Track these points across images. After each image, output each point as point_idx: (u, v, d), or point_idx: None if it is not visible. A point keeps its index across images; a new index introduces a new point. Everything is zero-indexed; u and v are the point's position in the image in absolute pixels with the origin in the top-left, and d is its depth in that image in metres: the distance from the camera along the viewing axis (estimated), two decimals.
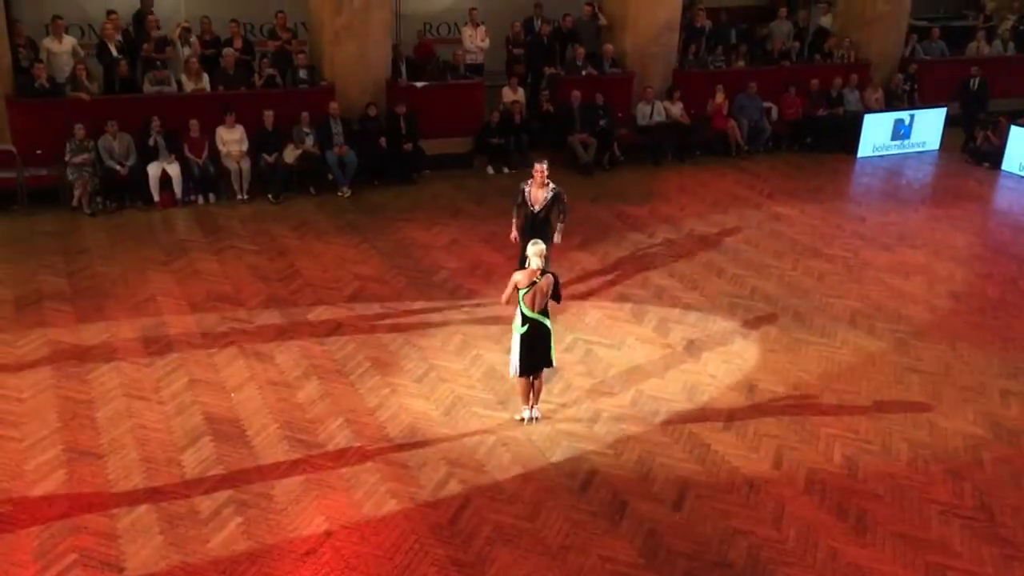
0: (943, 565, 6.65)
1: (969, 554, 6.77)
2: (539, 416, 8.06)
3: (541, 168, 9.55)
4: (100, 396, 8.20)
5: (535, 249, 7.63)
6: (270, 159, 13.14)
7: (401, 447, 7.66)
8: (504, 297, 7.86)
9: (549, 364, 7.95)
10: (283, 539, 6.57)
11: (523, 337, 7.72)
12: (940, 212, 13.89)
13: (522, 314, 7.68)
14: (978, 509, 7.25)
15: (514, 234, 9.83)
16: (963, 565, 6.66)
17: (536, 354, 7.78)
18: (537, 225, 9.59)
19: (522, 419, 8.02)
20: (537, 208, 9.60)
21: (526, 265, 7.78)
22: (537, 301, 7.65)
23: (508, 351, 8.30)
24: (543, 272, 7.66)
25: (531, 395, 8.03)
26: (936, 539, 6.90)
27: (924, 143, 17.10)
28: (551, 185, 9.58)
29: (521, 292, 7.63)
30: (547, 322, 7.77)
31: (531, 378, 7.95)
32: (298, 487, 7.11)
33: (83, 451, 7.43)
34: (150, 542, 6.48)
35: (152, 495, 6.94)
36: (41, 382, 8.38)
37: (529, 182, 9.68)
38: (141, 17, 14.28)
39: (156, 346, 9.06)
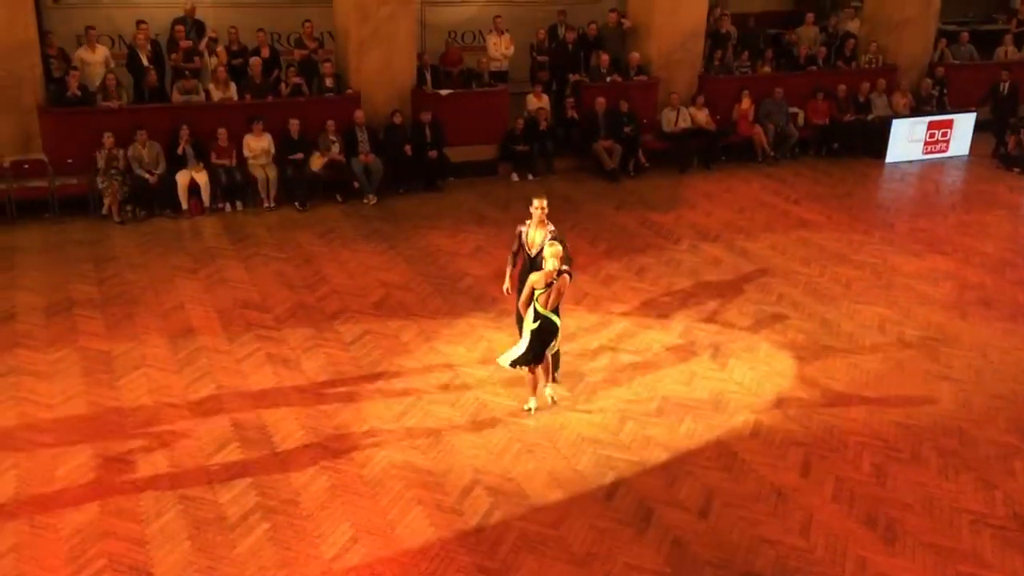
0: (974, 575, 6.55)
1: (1001, 564, 6.67)
2: (553, 395, 8.36)
3: (541, 205, 8.36)
4: (129, 403, 8.28)
5: (552, 250, 7.72)
6: (295, 158, 13.24)
7: (426, 454, 7.67)
8: (521, 300, 8.09)
9: (540, 360, 8.15)
10: (309, 545, 6.59)
11: (534, 332, 7.91)
12: (970, 218, 13.74)
13: (535, 311, 7.88)
14: (1010, 518, 7.14)
15: (507, 285, 8.72)
16: (995, 575, 6.56)
17: (536, 348, 8.00)
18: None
19: (528, 409, 8.23)
20: (534, 252, 8.41)
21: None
22: (552, 300, 7.84)
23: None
24: (559, 273, 7.77)
25: (537, 383, 8.29)
26: (967, 549, 6.81)
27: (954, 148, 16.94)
28: (550, 226, 8.42)
29: (537, 293, 7.82)
30: (556, 320, 7.97)
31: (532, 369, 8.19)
32: (324, 493, 7.14)
33: (112, 457, 7.50)
34: (178, 547, 6.53)
35: (180, 501, 6.99)
36: (71, 388, 8.47)
37: (528, 222, 8.53)
38: (187, 23, 14.36)
39: (184, 353, 9.14)
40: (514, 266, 8.68)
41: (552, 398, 8.36)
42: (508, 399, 8.50)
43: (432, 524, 6.84)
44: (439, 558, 6.51)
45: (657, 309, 10.40)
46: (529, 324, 7.94)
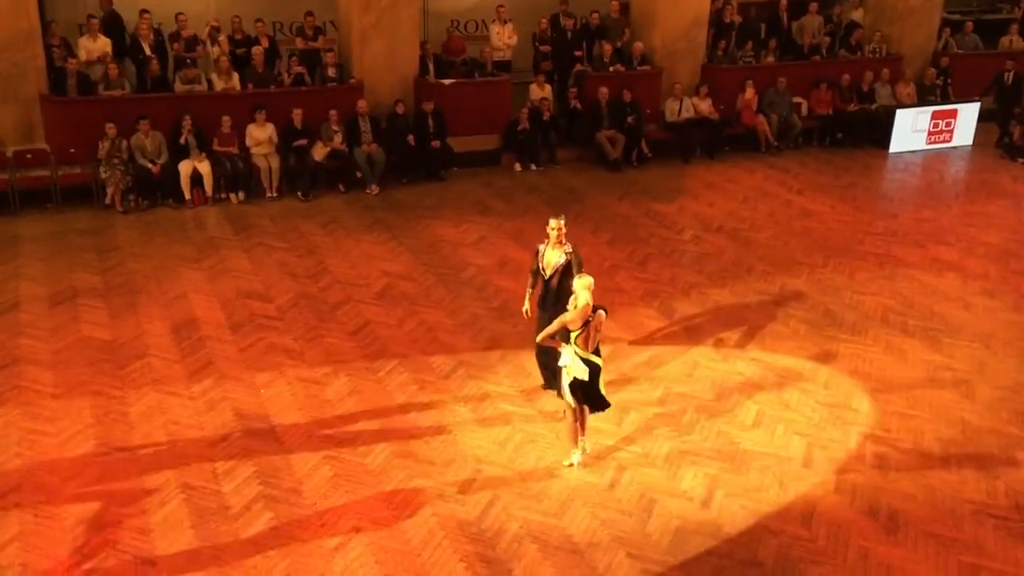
0: (976, 565, 6.56)
1: (1003, 555, 6.68)
2: (587, 449, 7.60)
3: (558, 225, 7.95)
4: (132, 392, 8.30)
5: (583, 283, 7.00)
6: (299, 144, 13.22)
7: (429, 443, 7.69)
8: (542, 335, 7.30)
9: (604, 406, 7.37)
10: (312, 534, 6.62)
11: (575, 380, 7.12)
12: (974, 208, 13.70)
13: (580, 359, 7.03)
14: (1012, 509, 7.15)
15: (526, 306, 8.34)
16: (997, 566, 6.57)
17: (589, 395, 7.24)
18: (550, 297, 8.02)
19: (571, 464, 7.43)
20: (548, 273, 8.03)
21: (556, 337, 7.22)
22: (591, 341, 7.04)
23: (535, 353, 8.32)
24: (595, 308, 7.01)
25: (580, 433, 7.48)
26: (969, 539, 6.82)
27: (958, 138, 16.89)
28: (567, 247, 8.03)
29: (573, 335, 6.98)
30: (598, 361, 7.17)
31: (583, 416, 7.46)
32: (327, 483, 7.15)
33: (116, 446, 7.52)
34: (181, 536, 6.55)
35: (183, 490, 7.01)
36: (74, 378, 8.49)
37: (546, 241, 8.13)
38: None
39: (187, 342, 9.15)
40: (534, 287, 8.29)
41: (584, 448, 7.52)
42: (510, 389, 8.51)
43: (434, 513, 6.86)
44: (441, 547, 6.53)
45: (660, 299, 10.39)
46: (567, 372, 7.09)
